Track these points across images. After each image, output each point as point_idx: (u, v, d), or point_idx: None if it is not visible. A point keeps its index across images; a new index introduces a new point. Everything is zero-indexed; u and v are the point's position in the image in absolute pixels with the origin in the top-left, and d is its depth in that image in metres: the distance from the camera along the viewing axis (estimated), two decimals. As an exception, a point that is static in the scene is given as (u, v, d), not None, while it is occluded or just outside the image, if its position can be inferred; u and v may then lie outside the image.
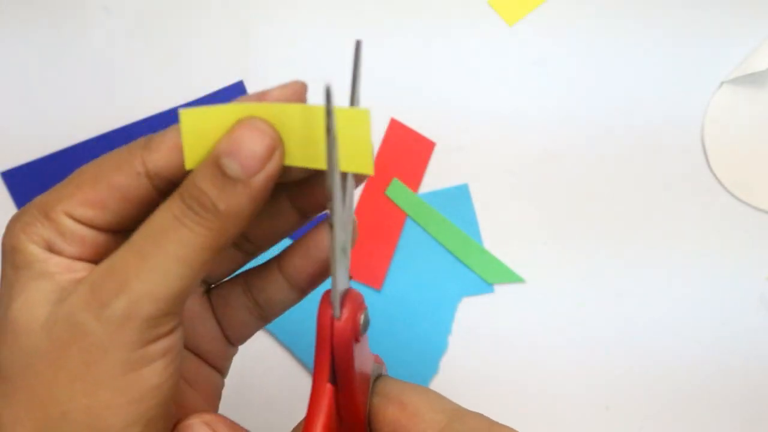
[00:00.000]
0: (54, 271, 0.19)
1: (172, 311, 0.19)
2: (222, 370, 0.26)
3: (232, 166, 0.19)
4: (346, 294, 0.20)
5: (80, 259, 0.20)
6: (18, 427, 0.18)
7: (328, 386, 0.20)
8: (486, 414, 0.22)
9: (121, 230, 0.21)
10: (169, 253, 0.18)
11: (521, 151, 0.41)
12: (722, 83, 0.41)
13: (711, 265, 0.41)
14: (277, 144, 0.19)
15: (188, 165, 0.20)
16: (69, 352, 0.18)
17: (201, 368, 0.25)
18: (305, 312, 0.39)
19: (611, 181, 0.41)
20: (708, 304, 0.41)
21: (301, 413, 0.21)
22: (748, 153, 0.41)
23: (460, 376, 0.41)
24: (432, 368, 0.41)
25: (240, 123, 0.19)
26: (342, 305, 0.20)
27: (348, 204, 0.20)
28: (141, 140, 0.21)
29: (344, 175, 0.20)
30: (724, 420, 0.41)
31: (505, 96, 0.42)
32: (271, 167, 0.19)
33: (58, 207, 0.20)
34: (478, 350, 0.41)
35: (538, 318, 0.41)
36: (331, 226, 0.19)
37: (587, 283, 0.41)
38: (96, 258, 0.21)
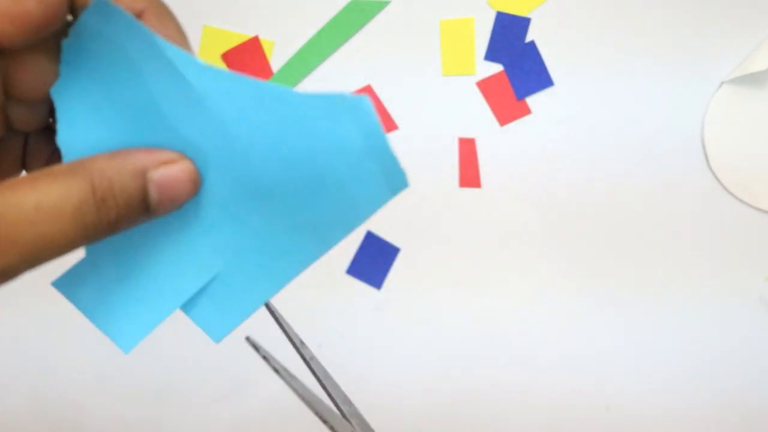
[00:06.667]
0: None
1: None
2: None
3: None
4: None
5: None
6: None
7: None
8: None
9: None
10: None
11: (519, 151, 0.41)
12: (722, 83, 0.41)
13: (711, 265, 0.41)
14: None
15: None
16: None
17: None
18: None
19: (610, 181, 0.41)
20: (708, 303, 0.41)
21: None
22: (748, 153, 0.41)
23: (461, 375, 0.41)
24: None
25: None
26: None
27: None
28: None
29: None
30: (724, 419, 0.41)
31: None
32: None
33: None
34: (476, 350, 0.41)
35: (538, 318, 0.41)
36: None
37: (587, 284, 0.41)
38: None
